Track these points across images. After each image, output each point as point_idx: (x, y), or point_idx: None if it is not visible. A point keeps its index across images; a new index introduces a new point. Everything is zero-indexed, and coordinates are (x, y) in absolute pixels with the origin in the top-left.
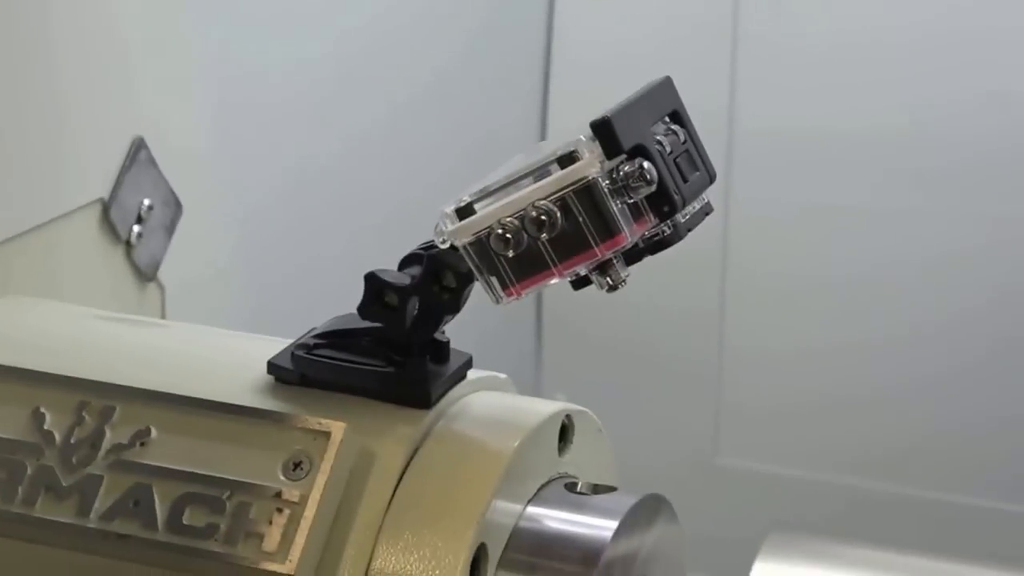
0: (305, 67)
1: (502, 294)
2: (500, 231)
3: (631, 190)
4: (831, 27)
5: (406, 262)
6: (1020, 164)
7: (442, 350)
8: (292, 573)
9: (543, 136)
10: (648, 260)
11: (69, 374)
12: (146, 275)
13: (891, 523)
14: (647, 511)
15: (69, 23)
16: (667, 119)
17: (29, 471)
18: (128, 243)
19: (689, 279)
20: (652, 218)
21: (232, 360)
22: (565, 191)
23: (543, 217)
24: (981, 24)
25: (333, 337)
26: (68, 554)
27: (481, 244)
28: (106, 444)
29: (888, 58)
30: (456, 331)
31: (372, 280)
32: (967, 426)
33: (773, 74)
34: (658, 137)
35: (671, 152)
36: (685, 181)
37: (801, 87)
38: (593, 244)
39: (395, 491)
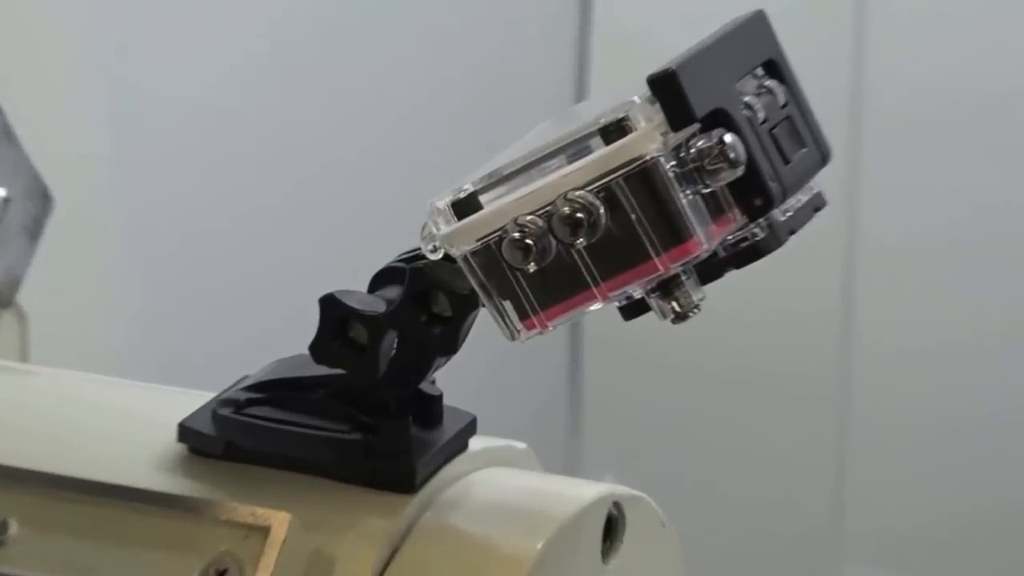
0: (205, 72)
1: (519, 326)
2: (517, 235)
3: (708, 174)
4: None
5: (380, 280)
6: None
7: (432, 408)
8: None
9: (580, 96)
10: (735, 276)
11: None
12: (1, 299)
13: None
14: None
15: None
16: (760, 72)
17: None
18: None
19: (801, 301)
20: (738, 215)
21: (127, 423)
22: (612, 177)
23: (579, 215)
24: None
25: (273, 389)
26: None
27: (490, 253)
28: None
29: None
30: (452, 377)
31: (330, 306)
32: None
33: (905, 22)
34: (746, 99)
35: (765, 120)
36: (786, 162)
37: (939, 40)
38: (653, 253)
39: None
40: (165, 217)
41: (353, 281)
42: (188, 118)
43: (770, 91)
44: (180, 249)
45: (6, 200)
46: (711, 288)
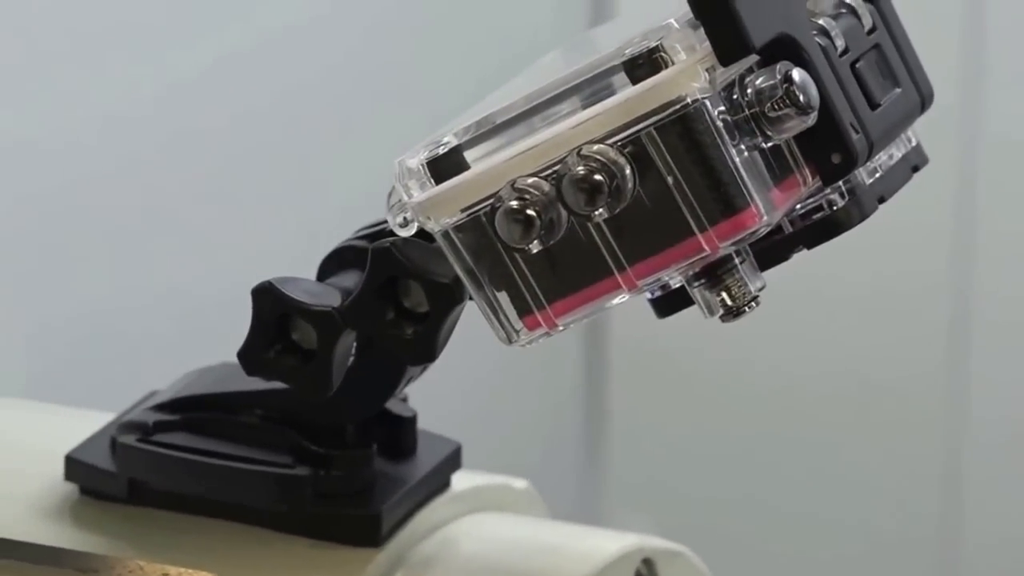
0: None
1: (519, 325)
2: (516, 204)
3: (769, 123)
4: None
5: (334, 263)
6: None
7: (403, 434)
8: None
9: (599, 19)
10: (805, 258)
11: None
12: None
13: None
14: None
15: None
16: None
17: None
18: None
19: (898, 304)
20: (810, 178)
21: (1, 454)
22: (642, 127)
23: (598, 176)
24: None
25: (193, 409)
26: None
27: (479, 228)
28: None
29: None
30: (431, 393)
31: (266, 299)
32: None
33: None
34: (821, 22)
35: (847, 51)
36: (874, 107)
37: None
38: (696, 229)
39: None
40: (83, 163)
41: (298, 266)
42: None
43: (853, 11)
44: (73, 224)
45: None
46: (772, 275)
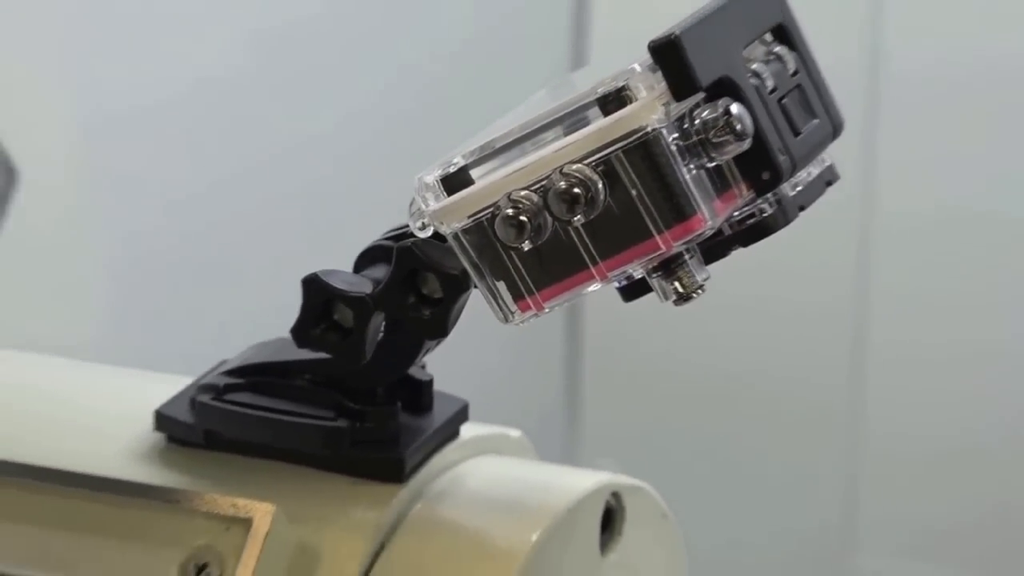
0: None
1: (514, 308)
2: (511, 211)
3: (712, 147)
4: None
5: (366, 259)
6: None
7: (422, 394)
8: None
9: (577, 64)
10: (740, 256)
11: None
12: None
13: None
14: None
15: None
16: (769, 38)
17: None
18: None
19: (812, 282)
20: (745, 190)
21: (101, 410)
22: (611, 150)
23: (576, 190)
24: None
25: (255, 375)
26: None
27: (482, 231)
28: None
29: None
30: (444, 363)
31: (314, 287)
32: None
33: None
34: (754, 66)
35: (774, 89)
36: (796, 133)
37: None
38: (654, 231)
39: None
40: (135, 198)
41: (338, 261)
42: (157, 105)
43: (779, 58)
44: (153, 228)
45: None
46: (715, 269)
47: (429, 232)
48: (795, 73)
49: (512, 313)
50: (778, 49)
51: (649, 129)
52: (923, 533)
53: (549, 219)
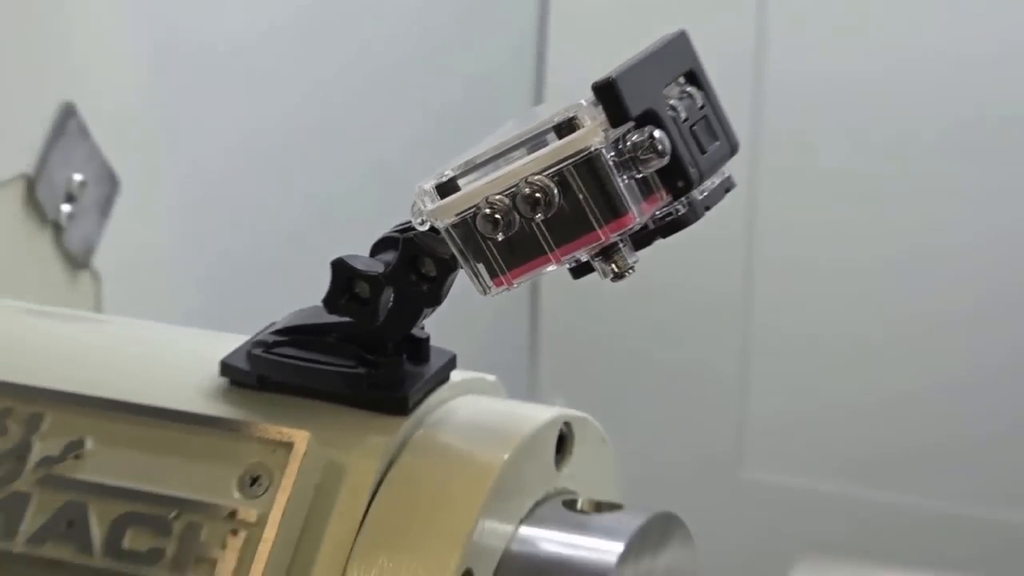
0: (256, 31)
1: (490, 283)
2: (488, 211)
3: (640, 163)
4: None
5: (379, 247)
6: None
7: (421, 348)
8: None
9: (538, 100)
10: (660, 244)
11: None
12: (78, 261)
13: (920, 538)
14: (657, 531)
15: None
16: (682, 80)
17: None
18: (57, 225)
19: (708, 266)
20: (664, 195)
21: (179, 360)
22: (563, 164)
23: (537, 195)
24: None
25: (295, 334)
26: None
27: (466, 226)
28: (34, 457)
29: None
30: (438, 326)
31: (340, 268)
32: (996, 435)
33: (807, 28)
34: (671, 101)
35: (686, 119)
36: (703, 152)
37: (835, 43)
38: (596, 225)
39: (367, 510)
40: (216, 189)
41: (361, 247)
42: (242, 91)
43: (690, 96)
44: (229, 223)
45: (82, 183)
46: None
47: (427, 227)
48: (702, 107)
49: (489, 287)
50: (689, 89)
51: (592, 149)
52: (807, 447)
53: (517, 217)
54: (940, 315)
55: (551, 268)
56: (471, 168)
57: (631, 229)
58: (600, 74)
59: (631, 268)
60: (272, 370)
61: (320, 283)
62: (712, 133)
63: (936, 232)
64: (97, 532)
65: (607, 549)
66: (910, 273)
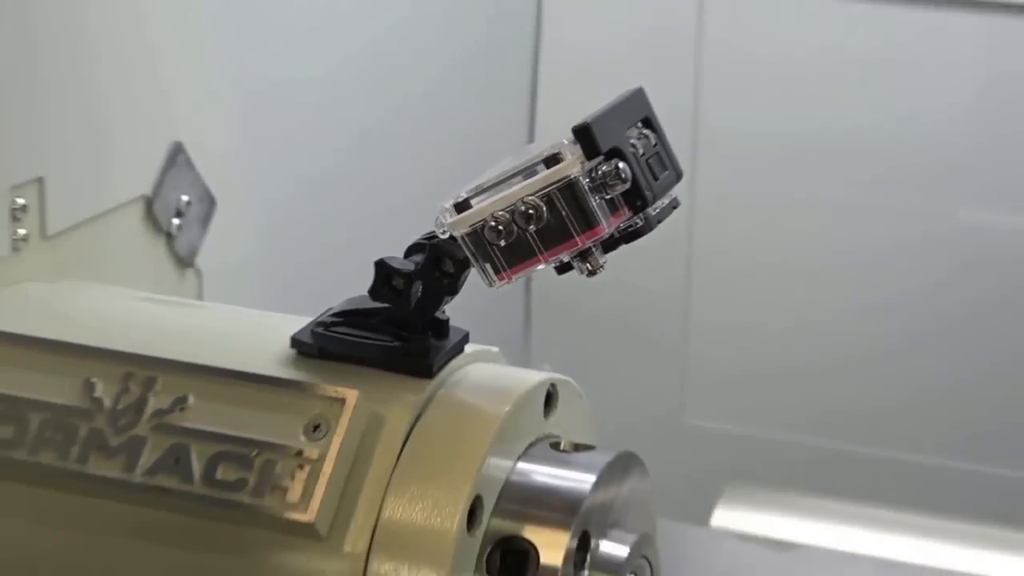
0: (320, 77)
1: (495, 279)
2: (493, 223)
3: (608, 187)
4: (788, 38)
5: (411, 251)
6: (959, 161)
7: (442, 327)
8: (312, 521)
9: (531, 139)
10: (623, 248)
11: (116, 348)
12: (185, 262)
13: (856, 483)
14: (621, 466)
15: (105, 36)
16: (639, 124)
17: (82, 433)
18: (169, 234)
19: (659, 263)
20: (626, 212)
21: (260, 336)
22: (550, 188)
23: (531, 211)
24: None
25: (348, 316)
26: (116, 505)
27: (476, 235)
28: (149, 410)
29: (841, 71)
30: (455, 311)
31: (381, 266)
32: (925, 389)
33: (734, 82)
34: (632, 140)
35: (643, 154)
36: (655, 179)
37: (759, 92)
38: (575, 234)
39: (402, 450)
40: (287, 207)
41: (397, 251)
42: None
43: (646, 136)
44: (297, 232)
45: (188, 203)
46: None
47: (447, 235)
48: (655, 145)
49: (494, 282)
50: (645, 131)
51: (572, 176)
52: (745, 399)
53: (516, 228)
54: (873, 261)
55: (541, 267)
56: (480, 191)
57: (602, 238)
58: (578, 119)
59: (601, 267)
60: (330, 344)
61: (366, 278)
62: (663, 164)
63: (867, 225)
64: (197, 466)
65: (584, 479)
66: (840, 256)
